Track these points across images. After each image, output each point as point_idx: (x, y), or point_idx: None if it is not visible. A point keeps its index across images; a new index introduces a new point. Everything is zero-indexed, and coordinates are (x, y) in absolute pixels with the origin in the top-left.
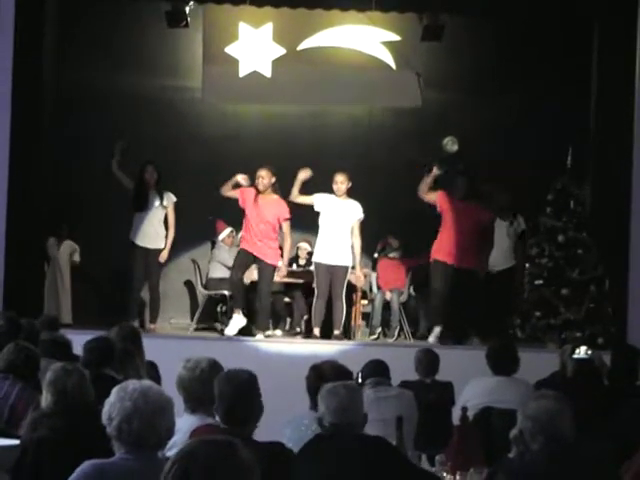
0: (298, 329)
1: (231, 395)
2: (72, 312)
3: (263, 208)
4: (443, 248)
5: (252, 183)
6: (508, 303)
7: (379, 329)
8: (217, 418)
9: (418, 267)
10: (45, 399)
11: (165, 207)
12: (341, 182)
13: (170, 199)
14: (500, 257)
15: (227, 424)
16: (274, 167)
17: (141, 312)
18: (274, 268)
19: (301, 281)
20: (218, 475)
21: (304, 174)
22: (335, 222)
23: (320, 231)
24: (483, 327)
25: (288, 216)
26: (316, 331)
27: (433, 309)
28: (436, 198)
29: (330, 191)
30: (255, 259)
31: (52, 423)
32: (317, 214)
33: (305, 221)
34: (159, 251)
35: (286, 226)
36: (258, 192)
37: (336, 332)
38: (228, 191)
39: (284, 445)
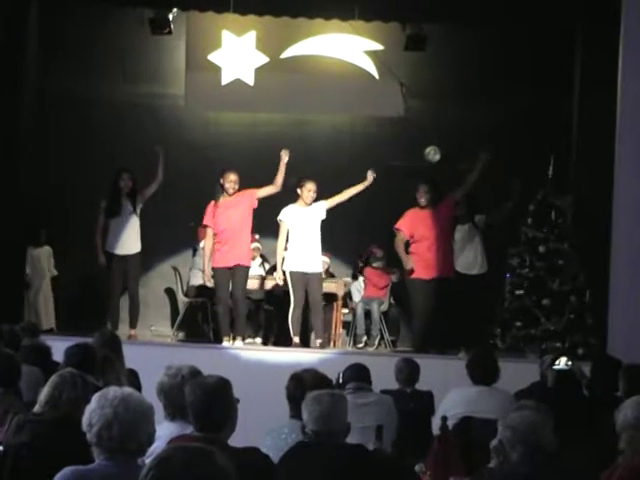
0: (275, 338)
1: (200, 401)
2: (54, 318)
3: (232, 207)
4: (417, 264)
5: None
6: (485, 311)
7: (364, 337)
8: None
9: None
10: (39, 401)
11: (138, 215)
12: (314, 191)
13: (142, 199)
14: (467, 263)
15: (199, 431)
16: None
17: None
18: (248, 269)
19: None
20: None
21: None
22: (303, 230)
23: (290, 241)
24: (469, 339)
25: (256, 193)
26: (296, 339)
27: (417, 332)
28: (404, 235)
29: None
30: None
31: (35, 429)
32: None
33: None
34: (137, 255)
35: (262, 191)
36: (217, 202)
37: (318, 341)
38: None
39: (259, 450)
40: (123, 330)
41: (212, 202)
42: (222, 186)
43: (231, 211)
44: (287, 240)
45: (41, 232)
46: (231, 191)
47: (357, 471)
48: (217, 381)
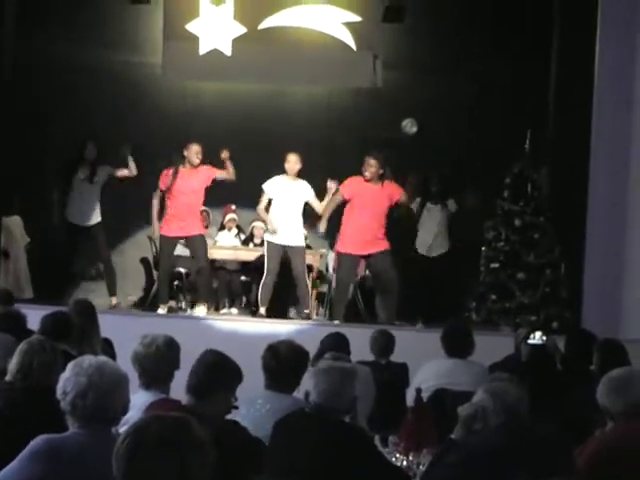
0: (254, 308)
1: (202, 381)
2: (31, 287)
3: (189, 178)
4: (348, 240)
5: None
6: (447, 289)
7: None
8: (171, 394)
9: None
10: (9, 370)
11: (97, 182)
12: (295, 162)
13: (105, 171)
14: (429, 242)
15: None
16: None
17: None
18: (204, 237)
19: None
20: (169, 450)
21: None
22: (286, 203)
23: (271, 212)
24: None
25: (215, 173)
26: (262, 310)
27: (335, 301)
28: (340, 196)
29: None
30: (179, 240)
31: (6, 397)
32: None
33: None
34: (99, 225)
35: (219, 173)
36: (177, 169)
37: (306, 311)
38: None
39: (238, 423)
40: (99, 301)
41: (171, 169)
42: (184, 157)
43: (190, 181)
44: (268, 212)
45: (15, 200)
46: (197, 162)
47: (347, 452)
48: (219, 359)
